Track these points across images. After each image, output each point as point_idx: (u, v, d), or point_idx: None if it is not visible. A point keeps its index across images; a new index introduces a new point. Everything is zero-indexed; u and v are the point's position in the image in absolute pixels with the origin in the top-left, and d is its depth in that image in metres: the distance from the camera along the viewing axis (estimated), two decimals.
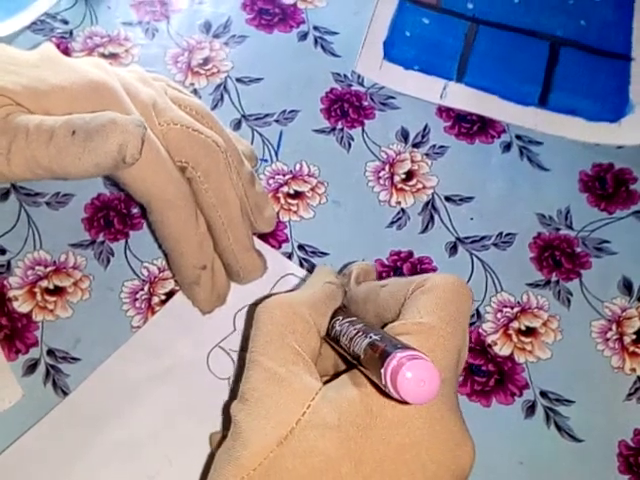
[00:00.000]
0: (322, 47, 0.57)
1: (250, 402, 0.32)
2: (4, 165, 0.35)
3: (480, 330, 0.47)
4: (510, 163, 0.53)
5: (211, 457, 0.40)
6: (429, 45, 0.57)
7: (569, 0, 0.59)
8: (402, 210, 0.50)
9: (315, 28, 0.57)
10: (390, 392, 0.27)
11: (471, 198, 0.51)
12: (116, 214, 0.48)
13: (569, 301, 0.48)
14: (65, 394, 0.43)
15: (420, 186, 0.51)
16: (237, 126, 0.53)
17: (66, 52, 0.54)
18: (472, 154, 0.53)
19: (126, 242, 0.48)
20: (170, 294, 0.46)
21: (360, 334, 0.31)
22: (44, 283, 0.46)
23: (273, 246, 0.48)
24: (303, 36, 0.57)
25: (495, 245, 0.50)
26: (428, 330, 0.31)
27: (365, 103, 0.54)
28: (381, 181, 0.51)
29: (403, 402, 0.27)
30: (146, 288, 0.46)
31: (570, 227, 0.51)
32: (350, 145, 0.53)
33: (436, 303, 0.32)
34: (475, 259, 0.49)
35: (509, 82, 0.56)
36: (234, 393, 0.43)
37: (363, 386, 0.31)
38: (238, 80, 0.55)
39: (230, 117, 0.53)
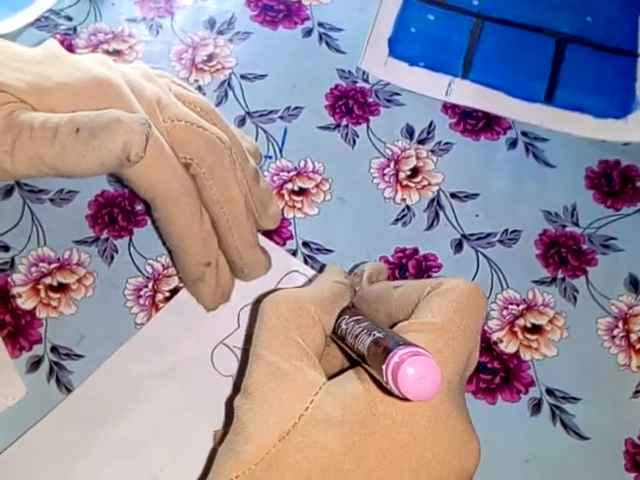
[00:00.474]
0: (327, 43, 0.56)
1: (253, 396, 0.32)
2: (8, 162, 0.35)
3: (486, 327, 0.47)
4: (516, 160, 0.53)
5: (213, 453, 0.40)
6: (434, 41, 0.57)
7: None
8: (407, 207, 0.50)
9: (320, 24, 0.57)
10: (391, 389, 0.27)
11: (476, 195, 0.51)
12: (120, 211, 0.48)
13: (575, 298, 0.48)
14: (69, 391, 0.43)
15: (425, 183, 0.51)
16: (241, 123, 0.52)
17: (70, 49, 0.54)
18: (478, 151, 0.53)
19: (130, 239, 0.48)
20: (174, 291, 0.46)
21: (365, 332, 0.31)
22: (48, 280, 0.46)
23: (277, 243, 0.48)
24: (308, 32, 0.57)
25: (501, 242, 0.49)
26: (438, 330, 0.31)
27: (370, 100, 0.54)
28: (386, 178, 0.51)
29: (404, 399, 0.27)
30: (150, 285, 0.46)
31: (576, 224, 0.50)
32: (355, 142, 0.52)
33: (450, 306, 0.32)
34: (480, 256, 0.49)
35: (515, 78, 0.56)
36: (236, 388, 0.43)
37: (368, 383, 0.31)
38: (242, 77, 0.54)
39: (234, 114, 0.53)
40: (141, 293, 0.46)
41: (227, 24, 0.57)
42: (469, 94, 0.55)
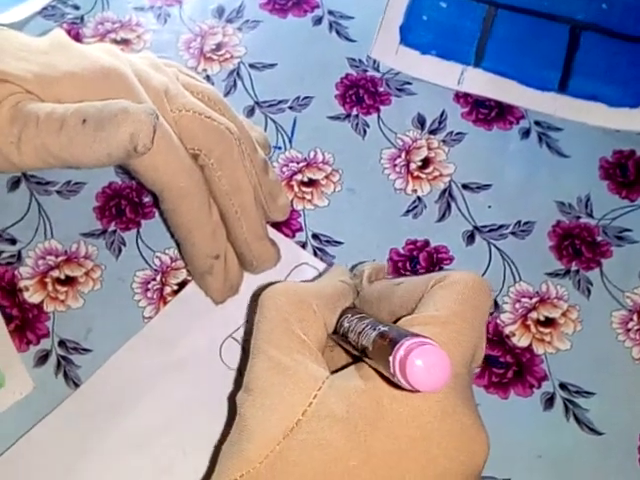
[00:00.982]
0: (337, 32, 0.56)
1: (254, 392, 0.31)
2: (15, 154, 0.35)
3: (498, 321, 0.46)
4: (529, 149, 0.52)
5: (217, 449, 0.40)
6: (446, 29, 0.56)
7: None
8: (418, 198, 0.50)
9: (330, 12, 0.57)
10: (399, 381, 0.26)
11: (489, 186, 0.50)
12: (128, 203, 0.48)
13: (589, 291, 0.47)
14: (76, 385, 0.42)
15: (437, 174, 0.51)
16: (250, 113, 0.52)
17: (77, 38, 0.54)
18: (490, 140, 0.52)
19: (138, 231, 0.47)
20: (182, 284, 0.46)
21: (369, 327, 0.31)
22: (55, 273, 0.45)
23: (287, 235, 0.47)
24: (318, 21, 0.56)
25: (513, 234, 0.49)
26: (442, 323, 0.31)
27: (381, 89, 0.54)
28: (397, 168, 0.51)
29: (413, 390, 0.26)
30: (158, 278, 0.46)
31: (590, 215, 0.50)
32: (365, 132, 0.52)
33: (454, 298, 0.32)
34: (493, 248, 0.48)
35: (528, 67, 0.55)
36: (238, 383, 0.42)
37: (372, 377, 0.30)
38: (251, 66, 0.54)
39: (243, 104, 0.52)
40: (149, 286, 0.46)
41: (236, 12, 0.56)
42: (481, 83, 0.54)
